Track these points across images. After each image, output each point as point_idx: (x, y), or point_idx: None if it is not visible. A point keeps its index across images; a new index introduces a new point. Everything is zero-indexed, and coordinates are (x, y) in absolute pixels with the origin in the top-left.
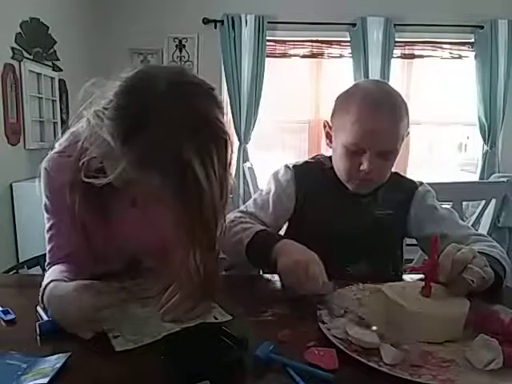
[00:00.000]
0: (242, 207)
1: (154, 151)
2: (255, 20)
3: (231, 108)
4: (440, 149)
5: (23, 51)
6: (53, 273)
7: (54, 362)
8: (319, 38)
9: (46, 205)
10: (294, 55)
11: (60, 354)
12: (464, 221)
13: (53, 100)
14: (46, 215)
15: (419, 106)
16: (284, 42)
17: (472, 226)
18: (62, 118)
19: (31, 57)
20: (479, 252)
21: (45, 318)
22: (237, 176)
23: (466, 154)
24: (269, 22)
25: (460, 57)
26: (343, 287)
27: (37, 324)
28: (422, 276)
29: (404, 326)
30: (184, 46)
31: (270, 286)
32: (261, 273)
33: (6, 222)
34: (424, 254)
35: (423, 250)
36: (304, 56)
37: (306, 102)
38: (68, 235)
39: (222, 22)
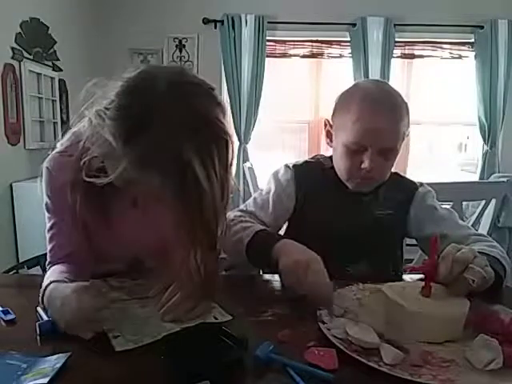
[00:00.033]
0: (242, 206)
1: (154, 151)
2: (255, 20)
3: (231, 108)
4: (440, 149)
5: (23, 51)
6: (53, 273)
7: (54, 361)
8: (319, 38)
9: (47, 204)
10: (294, 55)
11: (60, 354)
12: (464, 221)
13: (53, 100)
14: (46, 215)
15: (419, 106)
16: (284, 42)
17: (472, 225)
18: (61, 117)
19: (31, 57)
20: (479, 252)
21: (45, 318)
22: (237, 176)
23: (465, 154)
24: (269, 22)
25: (460, 57)
26: (343, 287)
27: (37, 324)
28: (421, 276)
29: (404, 325)
30: (184, 45)
31: (270, 285)
32: (261, 273)
33: (6, 222)
34: (424, 254)
35: (423, 250)
36: (304, 56)
37: (306, 102)
38: (69, 234)
39: (221, 22)
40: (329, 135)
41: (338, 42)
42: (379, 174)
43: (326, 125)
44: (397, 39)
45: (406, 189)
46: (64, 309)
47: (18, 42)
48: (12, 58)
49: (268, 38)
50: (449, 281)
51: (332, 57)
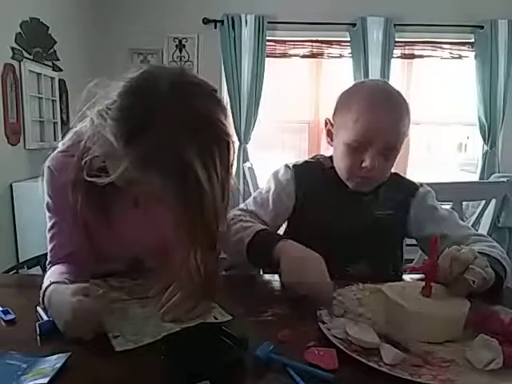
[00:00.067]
0: (242, 205)
1: (156, 152)
2: (255, 20)
3: (231, 108)
4: (440, 149)
5: (23, 51)
6: (53, 274)
7: (54, 361)
8: (319, 38)
9: (48, 204)
10: (294, 55)
11: (60, 354)
12: (464, 221)
13: (53, 100)
14: (47, 214)
15: (419, 106)
16: (284, 41)
17: (472, 226)
18: (61, 118)
19: (31, 57)
20: (479, 252)
21: (45, 317)
22: (237, 176)
23: (465, 154)
24: (269, 22)
25: (460, 57)
26: (343, 287)
27: (37, 324)
28: (422, 276)
29: (404, 325)
30: (184, 45)
31: (270, 285)
32: (261, 273)
33: (6, 222)
34: (424, 254)
35: (423, 251)
36: (304, 56)
37: (306, 102)
38: (70, 234)
39: (222, 22)
40: (329, 134)
41: (338, 42)
42: (380, 174)
43: (326, 124)
44: (397, 39)
45: (406, 189)
46: (64, 310)
47: (18, 42)
48: (12, 58)
49: (268, 38)
50: (449, 281)
51: (332, 57)
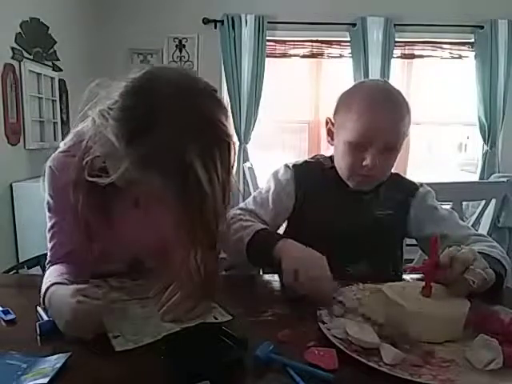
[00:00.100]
0: (242, 204)
1: (157, 152)
2: (255, 20)
3: (231, 108)
4: (440, 149)
5: (23, 51)
6: (53, 274)
7: (54, 361)
8: (319, 38)
9: (48, 203)
10: (294, 55)
11: (60, 354)
12: (464, 221)
13: (53, 100)
14: (48, 214)
15: (419, 106)
16: (284, 41)
17: (472, 226)
18: (61, 118)
19: (31, 57)
20: (479, 252)
21: (45, 317)
22: (237, 176)
23: (465, 154)
24: (269, 22)
25: (460, 57)
26: (343, 287)
27: (37, 324)
28: (422, 276)
29: (404, 326)
30: (184, 46)
31: (270, 286)
32: (261, 273)
33: (6, 222)
34: (424, 254)
35: (423, 251)
36: (304, 56)
37: (306, 102)
38: (70, 233)
39: (222, 22)
40: (330, 133)
41: (338, 42)
42: (380, 173)
43: (327, 123)
44: (397, 39)
45: (406, 189)
46: (64, 310)
47: (18, 42)
48: (12, 58)
49: (268, 38)
50: (449, 281)
51: (332, 57)
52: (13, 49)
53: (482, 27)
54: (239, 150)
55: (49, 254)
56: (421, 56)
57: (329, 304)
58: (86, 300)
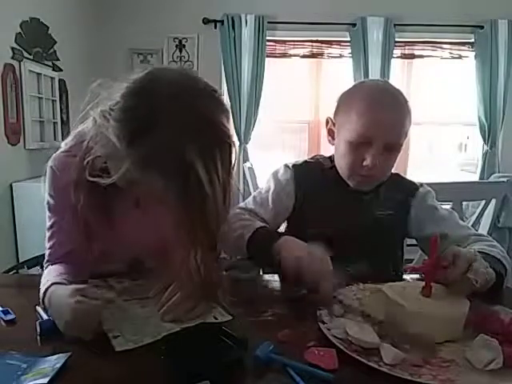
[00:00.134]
0: (242, 204)
1: (158, 153)
2: (255, 20)
3: (231, 108)
4: (440, 149)
5: (23, 51)
6: (52, 274)
7: (54, 361)
8: (319, 38)
9: (48, 203)
10: (294, 55)
11: (60, 354)
12: (464, 221)
13: (53, 100)
14: (47, 213)
15: (419, 106)
16: (284, 41)
17: (472, 226)
18: (61, 118)
19: (31, 57)
20: (479, 251)
21: (45, 317)
22: (237, 176)
23: (466, 154)
24: (269, 22)
25: (460, 57)
26: (343, 287)
27: (37, 323)
28: (422, 276)
29: (404, 325)
30: (184, 46)
31: (270, 286)
32: (261, 273)
33: (6, 222)
34: (424, 254)
35: (423, 251)
36: (304, 56)
37: (306, 102)
38: (70, 233)
39: (222, 22)
40: (331, 133)
41: (338, 42)
42: (381, 172)
43: (327, 122)
44: (397, 39)
45: (407, 189)
46: (64, 310)
47: (18, 42)
48: (12, 58)
49: (268, 37)
50: (452, 280)
51: (332, 57)
52: (13, 49)
53: (482, 27)
54: (239, 150)
55: (47, 253)
56: (421, 56)
57: (329, 301)
58: (85, 300)
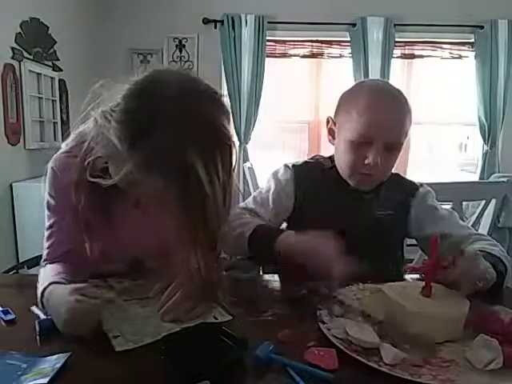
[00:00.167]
0: (242, 204)
1: (157, 154)
2: (255, 20)
3: (231, 108)
4: (440, 149)
5: (23, 51)
6: (50, 273)
7: (54, 361)
8: (319, 38)
9: (48, 203)
10: (294, 55)
11: (60, 354)
12: (464, 221)
13: (53, 100)
14: (47, 213)
15: (419, 106)
16: (284, 41)
17: (472, 226)
18: (61, 118)
19: (31, 57)
20: (480, 250)
21: (42, 316)
22: (237, 176)
23: (466, 154)
24: (269, 22)
25: (460, 57)
26: (343, 287)
27: (36, 322)
28: (422, 276)
29: (404, 326)
30: (184, 46)
31: (270, 286)
32: (261, 273)
33: (6, 222)
34: (424, 254)
35: (423, 251)
36: (304, 56)
37: (306, 102)
38: (69, 233)
39: (221, 22)
40: (331, 132)
41: (338, 42)
42: (381, 172)
43: (328, 121)
44: (397, 39)
45: (407, 189)
46: (62, 309)
47: (18, 42)
48: (12, 58)
49: (268, 38)
50: (455, 279)
51: (332, 57)
52: (13, 49)
53: (482, 27)
54: (239, 150)
55: (45, 252)
56: (421, 56)
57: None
58: (85, 299)
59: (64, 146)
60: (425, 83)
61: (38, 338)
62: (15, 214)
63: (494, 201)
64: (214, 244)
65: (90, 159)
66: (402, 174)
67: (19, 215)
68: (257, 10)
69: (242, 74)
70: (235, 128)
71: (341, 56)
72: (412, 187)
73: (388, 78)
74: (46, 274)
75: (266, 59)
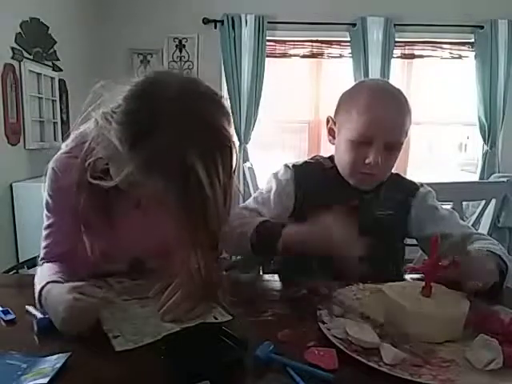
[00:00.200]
0: (243, 204)
1: (157, 155)
2: (255, 20)
3: (231, 108)
4: (440, 149)
5: (23, 51)
6: (47, 272)
7: (54, 361)
8: (319, 38)
9: (47, 203)
10: (294, 55)
11: (60, 354)
12: (464, 221)
13: (53, 100)
14: (45, 213)
15: (419, 106)
16: (284, 41)
17: (472, 226)
18: (61, 118)
19: (31, 57)
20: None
21: (39, 316)
22: (237, 176)
23: (466, 154)
24: (269, 22)
25: (460, 57)
26: (343, 287)
27: (34, 321)
28: (422, 276)
29: (404, 326)
30: (184, 46)
31: (270, 286)
32: (261, 273)
33: (6, 222)
34: (424, 254)
35: (423, 250)
36: (304, 56)
37: (306, 102)
38: (67, 233)
39: (221, 22)
40: (331, 132)
41: (338, 42)
42: (382, 171)
43: (328, 121)
44: (397, 39)
45: (407, 189)
46: (60, 308)
47: (18, 42)
48: (12, 58)
49: (268, 38)
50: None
51: (332, 57)
52: (13, 49)
53: (482, 27)
54: (239, 150)
55: (42, 251)
56: (421, 56)
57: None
58: (83, 297)
59: (64, 147)
60: (425, 83)
61: (35, 337)
62: (15, 214)
63: (493, 201)
64: (214, 245)
65: (91, 160)
66: (402, 174)
67: (19, 215)
68: (257, 9)
69: (241, 73)
70: (235, 128)
71: (341, 56)
72: (412, 187)
73: (388, 78)
74: (44, 272)
75: (266, 59)
